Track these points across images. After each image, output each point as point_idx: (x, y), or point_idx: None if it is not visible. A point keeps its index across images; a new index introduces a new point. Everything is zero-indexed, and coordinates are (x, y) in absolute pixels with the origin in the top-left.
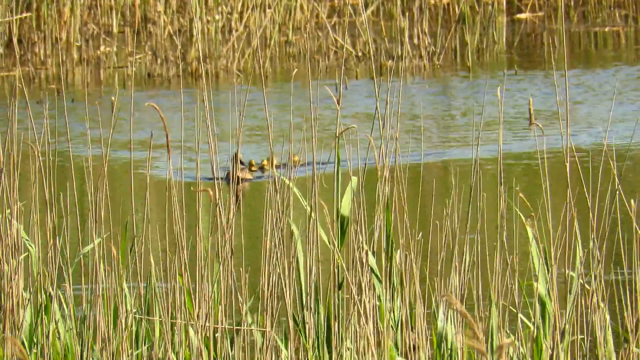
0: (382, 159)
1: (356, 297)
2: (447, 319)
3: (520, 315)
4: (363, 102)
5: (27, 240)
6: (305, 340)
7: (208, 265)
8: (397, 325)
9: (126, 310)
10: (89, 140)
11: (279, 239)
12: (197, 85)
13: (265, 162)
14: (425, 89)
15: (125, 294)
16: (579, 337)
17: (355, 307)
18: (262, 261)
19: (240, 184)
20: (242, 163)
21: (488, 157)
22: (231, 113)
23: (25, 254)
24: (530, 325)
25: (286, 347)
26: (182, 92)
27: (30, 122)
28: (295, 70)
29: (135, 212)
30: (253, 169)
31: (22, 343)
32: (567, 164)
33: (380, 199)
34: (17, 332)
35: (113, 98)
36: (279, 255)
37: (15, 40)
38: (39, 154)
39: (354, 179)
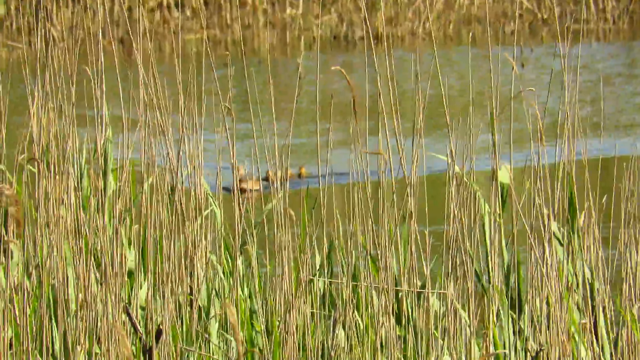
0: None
1: (539, 259)
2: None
3: None
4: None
5: (211, 197)
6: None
7: (391, 228)
8: (579, 287)
9: (308, 273)
10: (272, 103)
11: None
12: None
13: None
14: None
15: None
16: None
17: (538, 269)
18: (444, 223)
19: (245, 195)
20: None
21: None
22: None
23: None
24: None
25: (468, 312)
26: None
27: (215, 83)
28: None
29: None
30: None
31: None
32: None
33: (562, 163)
34: (198, 294)
35: (299, 60)
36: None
37: (202, 3)
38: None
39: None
